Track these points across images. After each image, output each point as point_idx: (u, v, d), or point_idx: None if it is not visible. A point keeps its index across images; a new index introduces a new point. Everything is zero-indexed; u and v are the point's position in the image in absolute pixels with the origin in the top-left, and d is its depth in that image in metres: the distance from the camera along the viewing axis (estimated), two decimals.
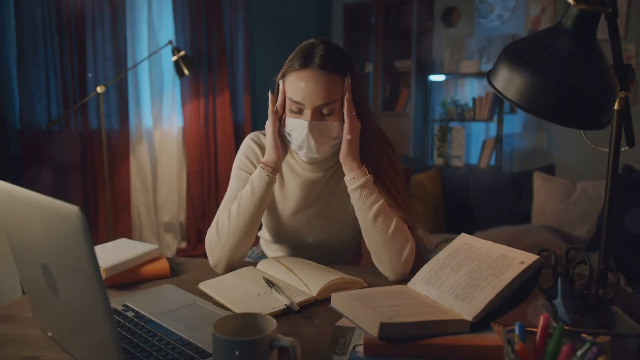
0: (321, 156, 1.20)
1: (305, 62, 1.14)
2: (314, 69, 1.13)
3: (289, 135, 1.19)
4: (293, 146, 1.20)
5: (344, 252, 1.38)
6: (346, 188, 1.26)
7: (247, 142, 1.33)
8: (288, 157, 1.30)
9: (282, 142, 1.20)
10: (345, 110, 1.15)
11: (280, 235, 1.33)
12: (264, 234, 1.41)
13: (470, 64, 4.06)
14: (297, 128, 1.15)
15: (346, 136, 1.16)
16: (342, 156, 1.17)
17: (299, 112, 1.16)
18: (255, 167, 1.29)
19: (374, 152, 1.22)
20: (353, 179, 1.16)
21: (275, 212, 1.31)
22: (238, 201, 1.19)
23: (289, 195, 1.29)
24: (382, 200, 1.15)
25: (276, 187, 1.30)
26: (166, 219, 3.54)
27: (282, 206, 1.30)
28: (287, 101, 1.17)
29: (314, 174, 1.28)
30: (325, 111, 1.15)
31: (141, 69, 3.32)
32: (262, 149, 1.30)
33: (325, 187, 1.29)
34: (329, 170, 1.29)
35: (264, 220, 1.36)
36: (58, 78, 2.88)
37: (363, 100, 1.21)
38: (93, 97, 2.96)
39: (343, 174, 1.28)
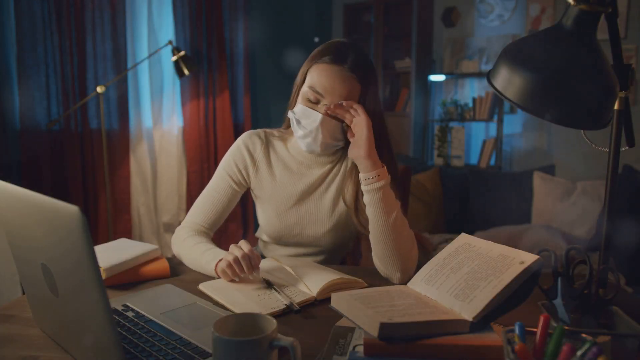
0: (321, 152, 1.22)
1: (337, 59, 1.15)
2: (344, 69, 1.15)
3: (297, 121, 1.19)
4: (297, 134, 1.20)
5: (340, 250, 1.38)
6: (339, 187, 1.27)
7: (240, 144, 1.33)
8: (283, 153, 1.32)
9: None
10: (357, 109, 1.13)
11: (275, 234, 1.33)
12: (261, 235, 1.41)
13: (470, 64, 4.06)
14: (310, 117, 1.16)
15: (362, 133, 1.12)
16: (363, 153, 1.12)
17: (316, 102, 1.17)
18: (241, 174, 1.31)
19: (388, 157, 1.21)
20: (372, 178, 1.12)
21: (270, 209, 1.31)
22: (193, 259, 1.20)
23: (281, 191, 1.30)
24: (399, 204, 1.15)
25: (269, 182, 1.31)
26: (166, 219, 3.54)
27: (275, 202, 1.30)
28: (306, 88, 1.17)
29: (308, 170, 1.29)
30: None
31: (141, 69, 3.32)
32: (252, 157, 1.31)
33: (319, 184, 1.30)
34: (322, 167, 1.30)
35: (259, 218, 1.37)
36: (58, 78, 2.88)
37: (378, 109, 1.21)
38: (93, 97, 2.96)
39: (337, 173, 1.29)
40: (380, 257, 1.14)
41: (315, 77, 1.16)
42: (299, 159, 1.30)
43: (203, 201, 1.32)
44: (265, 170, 1.31)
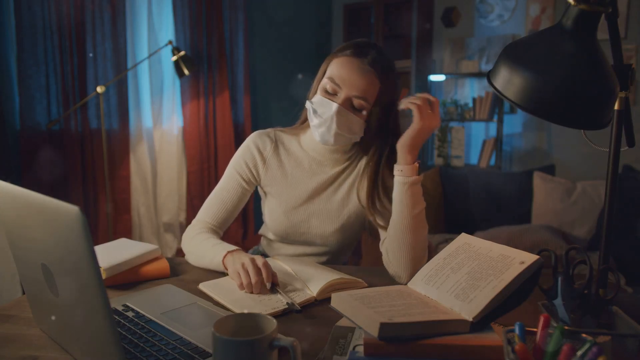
0: (334, 144, 1.22)
1: (358, 53, 1.17)
2: (363, 62, 1.17)
3: (314, 111, 1.20)
4: (312, 123, 1.22)
5: (345, 251, 1.39)
6: (350, 187, 1.27)
7: (250, 144, 1.33)
8: (295, 149, 1.32)
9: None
10: (434, 104, 1.13)
11: (281, 232, 1.33)
12: (266, 232, 1.40)
13: (470, 64, 4.06)
14: (326, 107, 1.17)
15: (417, 126, 1.12)
16: (409, 144, 1.12)
17: (333, 93, 1.18)
18: (250, 172, 1.31)
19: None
20: (410, 171, 1.13)
21: (278, 206, 1.31)
22: (201, 253, 1.21)
23: (292, 189, 1.30)
24: (424, 205, 1.15)
25: (280, 179, 1.31)
26: (166, 219, 3.54)
27: (285, 199, 1.30)
28: (325, 80, 1.19)
29: (320, 168, 1.29)
30: (355, 104, 1.18)
31: (141, 69, 3.32)
32: (262, 155, 1.31)
33: (331, 183, 1.30)
34: (335, 166, 1.29)
35: (265, 215, 1.37)
36: (58, 78, 2.88)
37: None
38: (93, 97, 2.96)
39: (350, 172, 1.29)
40: (393, 251, 1.14)
41: (335, 69, 1.18)
42: (311, 155, 1.30)
43: (213, 200, 1.33)
44: (275, 167, 1.31)
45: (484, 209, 3.44)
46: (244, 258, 1.08)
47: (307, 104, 1.23)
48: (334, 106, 1.16)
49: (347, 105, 1.18)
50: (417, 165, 1.14)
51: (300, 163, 1.31)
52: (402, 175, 1.13)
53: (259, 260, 1.06)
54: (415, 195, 1.13)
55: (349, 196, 1.29)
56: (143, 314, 0.93)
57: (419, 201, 1.13)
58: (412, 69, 4.37)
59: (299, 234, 1.32)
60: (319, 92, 1.21)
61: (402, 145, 1.14)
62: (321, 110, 1.19)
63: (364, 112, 1.19)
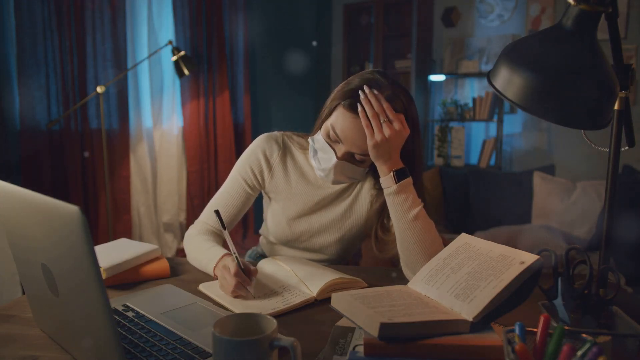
0: (333, 184, 1.24)
1: (357, 108, 1.09)
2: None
3: (315, 151, 1.18)
4: (312, 160, 1.20)
5: (343, 258, 1.38)
6: (354, 199, 1.27)
7: (256, 149, 1.30)
8: (302, 162, 1.30)
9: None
10: (394, 120, 1.08)
11: (282, 238, 1.33)
12: (268, 235, 1.40)
13: (470, 64, 4.06)
14: (326, 154, 1.15)
15: (370, 142, 1.07)
16: (374, 159, 1.10)
17: (335, 142, 1.15)
18: (256, 178, 1.30)
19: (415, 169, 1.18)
20: (384, 183, 1.13)
21: (281, 214, 1.31)
22: (196, 256, 1.21)
23: (295, 199, 1.29)
24: (420, 206, 1.13)
25: (284, 189, 1.30)
26: (166, 219, 3.54)
27: (288, 209, 1.30)
28: (329, 125, 1.14)
29: (326, 183, 1.28)
30: (357, 157, 1.15)
31: (141, 69, 3.32)
32: (268, 162, 1.29)
33: (335, 197, 1.29)
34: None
35: (267, 220, 1.36)
36: (58, 78, 2.88)
37: (417, 134, 1.17)
38: (93, 97, 2.96)
39: (354, 189, 1.29)
40: (407, 263, 1.13)
41: (338, 121, 1.12)
42: (314, 173, 1.29)
43: (216, 203, 1.30)
44: (281, 176, 1.29)
45: (484, 208, 3.45)
46: (222, 280, 1.05)
47: (310, 141, 1.20)
48: (333, 160, 1.14)
49: (348, 157, 1.15)
50: (393, 174, 1.10)
51: (305, 176, 1.29)
52: (384, 188, 1.13)
53: (229, 282, 1.02)
54: (404, 202, 1.11)
55: (352, 208, 1.29)
56: (143, 314, 0.93)
57: (412, 205, 1.11)
58: (412, 69, 4.37)
59: (300, 242, 1.32)
60: (322, 131, 1.17)
61: (372, 159, 1.11)
62: (321, 155, 1.17)
63: (366, 162, 1.16)
